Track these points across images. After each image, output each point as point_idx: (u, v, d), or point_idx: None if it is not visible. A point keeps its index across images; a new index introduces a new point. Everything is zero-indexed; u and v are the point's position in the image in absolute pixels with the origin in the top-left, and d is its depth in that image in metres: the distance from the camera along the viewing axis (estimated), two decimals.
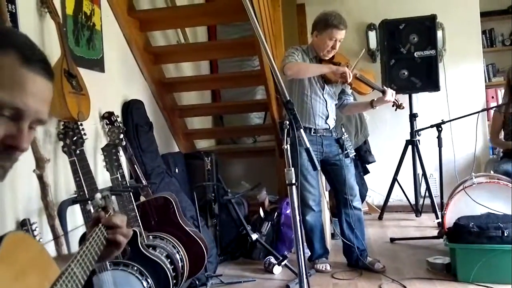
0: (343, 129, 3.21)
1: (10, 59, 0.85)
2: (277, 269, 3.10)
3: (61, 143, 2.13)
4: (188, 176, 3.64)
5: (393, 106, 3.06)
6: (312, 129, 2.98)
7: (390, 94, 2.93)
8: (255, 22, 1.75)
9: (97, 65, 2.75)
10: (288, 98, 1.79)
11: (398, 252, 3.42)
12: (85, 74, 2.39)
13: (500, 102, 4.75)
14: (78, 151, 2.12)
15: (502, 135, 3.91)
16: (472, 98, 4.80)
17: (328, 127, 3.04)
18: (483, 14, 4.87)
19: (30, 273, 0.89)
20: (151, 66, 3.48)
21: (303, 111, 2.96)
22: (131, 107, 3.05)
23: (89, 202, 1.99)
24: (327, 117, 3.03)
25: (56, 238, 1.87)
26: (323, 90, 3.02)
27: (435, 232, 3.67)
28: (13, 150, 0.88)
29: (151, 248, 2.26)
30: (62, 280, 0.94)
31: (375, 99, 3.00)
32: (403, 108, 3.10)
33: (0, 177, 0.91)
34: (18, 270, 0.85)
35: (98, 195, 1.55)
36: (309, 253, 3.17)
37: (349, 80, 2.82)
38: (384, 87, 3.05)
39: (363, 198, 4.22)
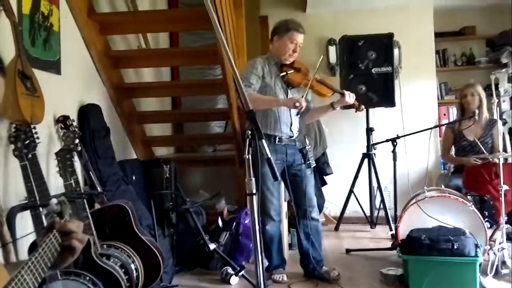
0: (306, 139, 3.24)
1: None
2: (234, 280, 3.08)
3: (12, 146, 2.03)
4: (145, 184, 3.56)
5: (352, 107, 3.09)
6: (277, 137, 2.99)
7: (349, 96, 2.98)
8: (219, 30, 1.75)
9: (54, 67, 2.66)
10: (251, 108, 1.79)
11: (353, 263, 3.48)
12: (41, 76, 2.31)
13: (451, 119, 4.97)
14: (30, 155, 2.03)
15: (453, 151, 4.08)
16: (426, 114, 4.99)
17: (292, 135, 3.07)
18: (437, 35, 5.10)
19: None
20: (110, 70, 3.40)
21: (268, 118, 2.98)
22: (88, 112, 2.96)
23: (41, 208, 1.91)
24: (291, 124, 3.05)
25: (4, 245, 1.77)
26: (287, 96, 3.05)
27: (389, 244, 3.76)
28: None
29: (104, 258, 2.19)
30: (11, 286, 0.89)
31: (335, 101, 3.04)
32: (363, 109, 3.13)
33: None
34: None
35: (54, 200, 1.49)
36: (267, 263, 3.17)
37: (303, 107, 2.81)
38: (343, 90, 3.11)
39: (320, 209, 4.27)
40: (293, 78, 3.03)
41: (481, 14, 5.28)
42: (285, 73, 3.01)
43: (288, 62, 3.06)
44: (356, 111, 3.14)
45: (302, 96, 3.05)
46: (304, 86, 3.00)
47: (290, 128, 3.05)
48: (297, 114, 2.99)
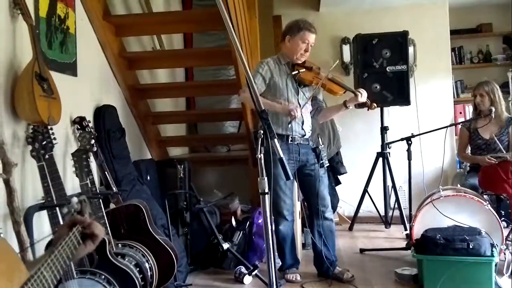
0: (319, 138, 3.24)
1: None
2: (247, 279, 3.09)
3: (30, 147, 2.07)
4: (160, 184, 3.60)
5: (365, 106, 3.08)
6: (290, 137, 3.00)
7: (361, 94, 2.96)
8: (232, 32, 1.76)
9: (70, 68, 2.70)
10: (263, 108, 1.80)
11: (367, 263, 3.46)
12: (57, 78, 2.35)
13: (468, 117, 4.91)
14: (47, 156, 2.07)
15: (469, 149, 4.03)
16: (441, 113, 4.94)
17: (305, 134, 3.06)
18: (453, 32, 5.04)
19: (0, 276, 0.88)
20: (126, 71, 3.44)
21: (279, 118, 2.98)
22: (104, 113, 3.00)
23: (57, 208, 1.94)
24: (303, 123, 3.04)
25: (21, 244, 1.81)
26: (298, 96, 3.05)
27: (403, 244, 3.73)
28: None
29: (119, 257, 2.22)
30: (30, 283, 0.93)
31: (348, 100, 3.02)
32: (375, 108, 3.10)
33: None
34: None
35: (75, 199, 1.52)
36: (280, 263, 3.17)
37: (297, 117, 2.83)
38: (355, 89, 3.09)
39: (334, 208, 4.27)
40: (305, 76, 3.03)
41: (498, 11, 5.19)
42: (297, 71, 3.02)
43: (299, 62, 3.06)
44: (368, 110, 3.13)
45: (313, 94, 3.06)
46: (316, 85, 3.00)
47: (302, 127, 3.05)
48: (288, 123, 2.94)
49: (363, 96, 2.96)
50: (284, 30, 3.13)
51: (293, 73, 3.02)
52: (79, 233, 1.15)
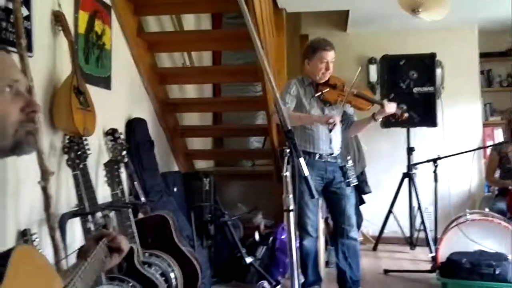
0: (348, 157, 3.22)
1: None
2: None
3: (66, 157, 2.17)
4: (186, 196, 3.67)
5: (395, 117, 3.04)
6: (317, 154, 3.01)
7: (390, 105, 2.94)
8: (261, 51, 1.80)
9: (104, 82, 2.81)
10: (289, 127, 1.84)
11: (391, 284, 3.43)
12: (92, 91, 2.45)
13: (496, 141, 4.83)
14: (81, 165, 2.16)
15: (497, 173, 3.97)
16: (469, 135, 4.88)
17: (332, 152, 3.06)
18: (482, 55, 5.01)
19: (35, 286, 0.93)
20: (156, 86, 3.55)
21: (306, 137, 3.00)
22: (134, 125, 3.10)
23: (90, 215, 2.02)
24: (330, 141, 3.04)
25: (56, 249, 1.89)
26: (323, 114, 3.07)
27: (428, 266, 3.67)
28: (34, 114, 1.03)
29: (146, 265, 2.28)
30: None
31: (376, 112, 2.99)
32: (406, 118, 3.05)
33: (32, 145, 1.02)
34: (25, 283, 0.90)
35: (99, 214, 1.57)
36: (303, 280, 3.17)
37: (338, 123, 2.81)
38: (383, 100, 3.07)
39: (358, 227, 4.24)
40: (329, 96, 3.01)
41: None
42: (320, 92, 3.00)
43: (322, 81, 3.06)
44: (399, 120, 3.09)
45: (340, 113, 3.06)
46: (341, 102, 3.01)
47: (330, 146, 3.05)
48: (329, 131, 2.93)
49: (390, 107, 2.94)
50: (302, 54, 3.13)
51: (317, 94, 3.01)
52: (105, 246, 1.20)
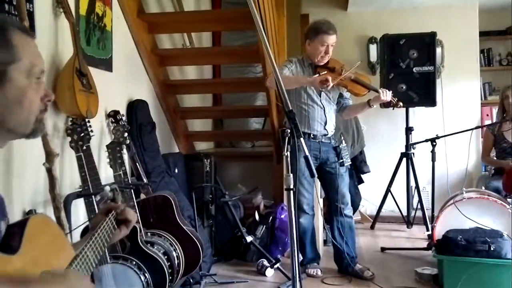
0: (342, 137, 3.28)
1: (19, 36, 1.00)
2: (269, 272, 3.18)
3: (69, 139, 2.20)
4: (187, 177, 3.72)
5: (390, 106, 3.08)
6: (311, 135, 3.07)
7: (384, 93, 2.97)
8: (262, 31, 1.82)
9: (106, 64, 2.83)
10: (291, 108, 1.87)
11: (388, 261, 3.50)
12: (94, 73, 2.47)
13: (494, 120, 4.86)
14: (84, 147, 2.19)
15: (493, 153, 4.01)
16: (467, 115, 4.91)
17: (327, 133, 3.12)
18: (482, 34, 5.00)
19: (50, 253, 0.99)
20: (157, 67, 3.56)
21: (302, 118, 3.04)
22: (136, 107, 3.13)
23: (93, 196, 2.07)
24: (325, 123, 3.10)
25: (63, 229, 1.94)
26: (321, 97, 3.09)
27: (425, 244, 3.75)
28: (49, 103, 1.07)
29: (149, 245, 2.34)
30: (76, 262, 1.03)
31: (372, 99, 3.05)
32: (401, 106, 3.10)
33: (41, 131, 1.06)
34: (41, 249, 0.95)
35: (108, 188, 1.62)
36: (301, 258, 3.24)
37: (330, 83, 2.80)
38: (379, 88, 3.10)
39: (356, 207, 4.31)
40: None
41: None
42: (318, 75, 3.02)
43: (321, 64, 3.08)
44: (393, 109, 3.14)
45: (338, 95, 3.09)
46: (337, 86, 3.03)
47: (325, 127, 3.10)
48: (319, 94, 2.94)
49: (386, 95, 2.98)
50: (304, 33, 3.14)
51: (314, 76, 3.04)
52: (114, 218, 1.25)
